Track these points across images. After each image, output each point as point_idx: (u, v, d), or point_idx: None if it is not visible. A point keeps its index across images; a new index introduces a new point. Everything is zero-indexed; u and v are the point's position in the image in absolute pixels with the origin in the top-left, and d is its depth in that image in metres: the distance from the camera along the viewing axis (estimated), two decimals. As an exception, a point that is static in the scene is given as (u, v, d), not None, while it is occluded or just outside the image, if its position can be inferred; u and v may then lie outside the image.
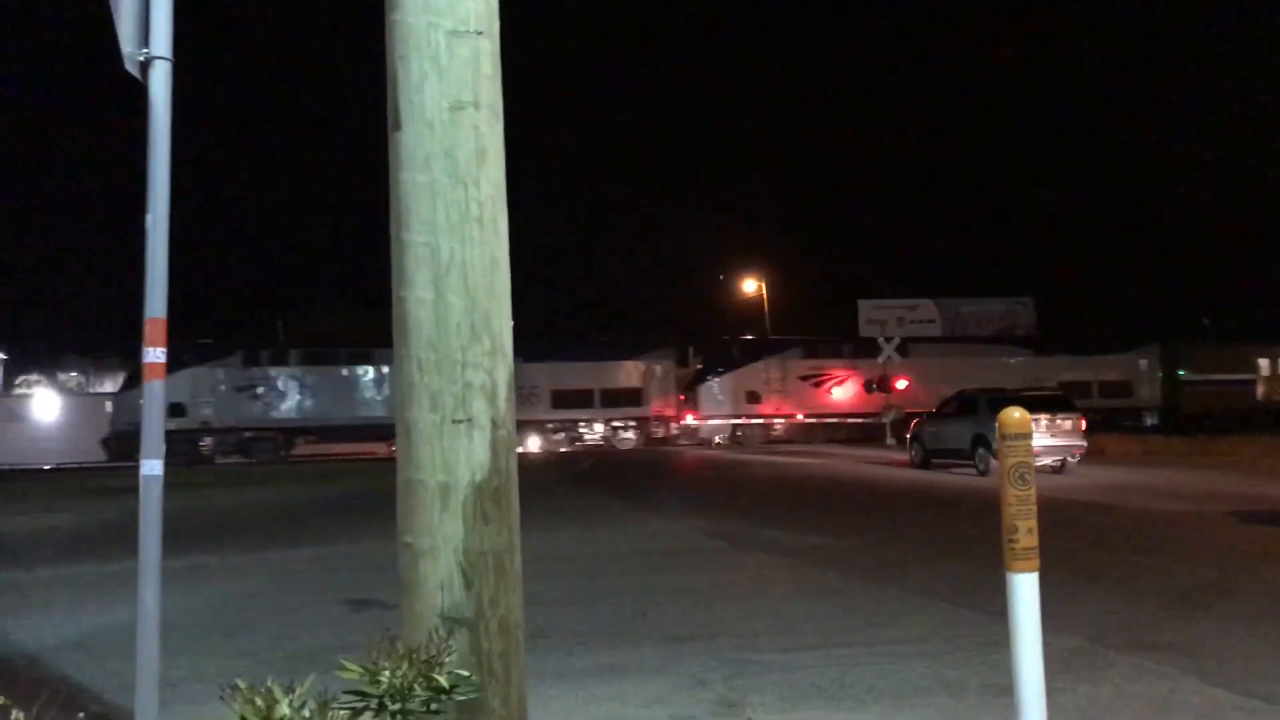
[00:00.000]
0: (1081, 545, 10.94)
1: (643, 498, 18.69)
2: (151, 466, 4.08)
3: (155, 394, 4.12)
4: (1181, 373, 44.54)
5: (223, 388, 35.70)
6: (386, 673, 2.75)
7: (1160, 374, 44.36)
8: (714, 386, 41.61)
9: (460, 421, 3.24)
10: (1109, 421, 36.68)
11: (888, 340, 41.27)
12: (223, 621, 8.08)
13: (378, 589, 8.80)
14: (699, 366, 42.83)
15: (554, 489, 20.80)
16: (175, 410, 33.43)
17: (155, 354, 4.09)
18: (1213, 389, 43.56)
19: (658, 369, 41.02)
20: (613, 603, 8.43)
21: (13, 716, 2.68)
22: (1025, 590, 3.57)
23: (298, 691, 2.66)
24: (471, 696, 2.91)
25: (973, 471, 22.52)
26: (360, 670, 2.76)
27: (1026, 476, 3.61)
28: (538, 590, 7.39)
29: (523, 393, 36.95)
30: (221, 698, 2.65)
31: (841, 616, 7.59)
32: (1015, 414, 3.69)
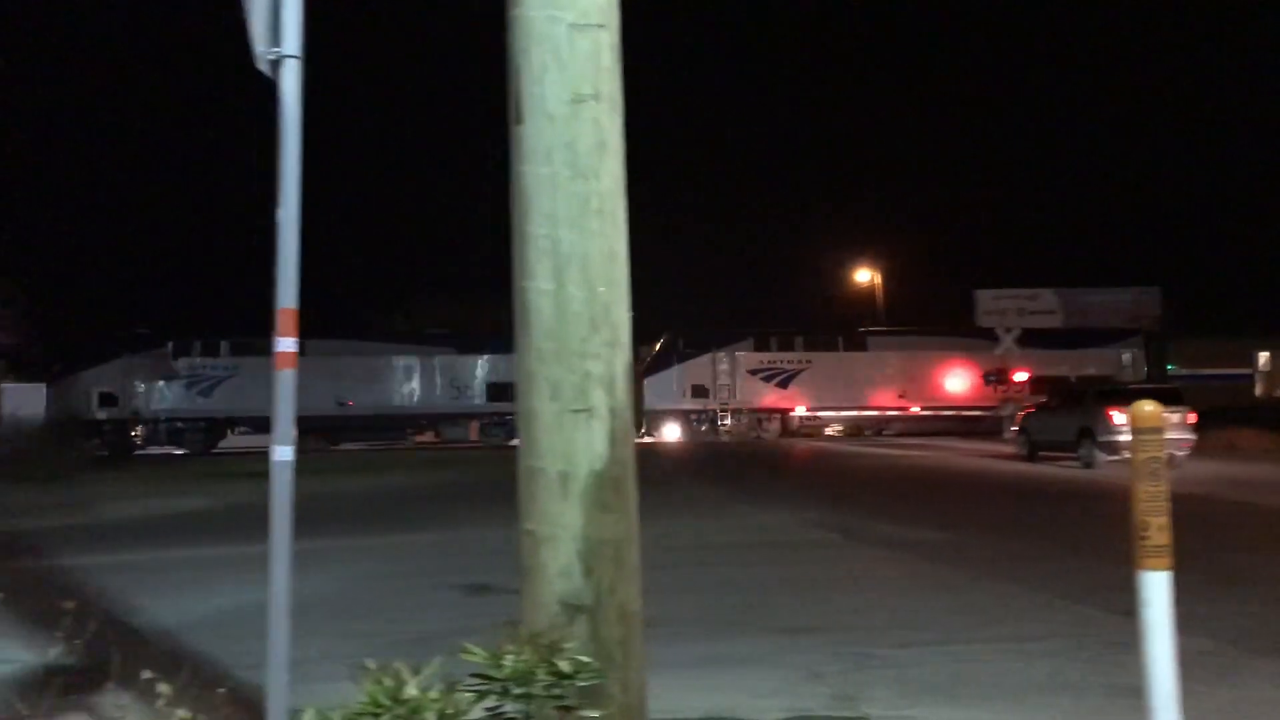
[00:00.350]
0: (1206, 542, 10.54)
1: (752, 488, 18.64)
2: (282, 452, 4.22)
3: (286, 382, 4.26)
4: (1171, 367, 42.43)
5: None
6: (510, 657, 2.81)
7: (1146, 369, 42.45)
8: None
9: (579, 411, 3.28)
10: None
11: (1006, 331, 40.24)
12: (344, 604, 8.32)
13: (492, 574, 8.95)
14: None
15: (665, 480, 20.89)
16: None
17: (286, 344, 4.23)
18: (1200, 384, 41.25)
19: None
20: (723, 593, 8.43)
21: (158, 690, 2.81)
22: (1158, 589, 3.46)
23: (424, 673, 2.74)
24: (593, 682, 2.95)
25: (1079, 464, 21.94)
26: (484, 654, 2.82)
27: (1158, 472, 3.50)
28: (649, 579, 7.40)
29: None
30: (351, 678, 2.74)
31: (958, 612, 7.46)
32: (1147, 408, 3.58)
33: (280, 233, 4.25)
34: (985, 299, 44.91)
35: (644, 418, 38.59)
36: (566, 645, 2.87)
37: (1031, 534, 11.98)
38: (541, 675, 2.79)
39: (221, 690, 4.12)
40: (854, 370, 40.66)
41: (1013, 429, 29.06)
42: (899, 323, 45.57)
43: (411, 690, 2.69)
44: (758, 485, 19.65)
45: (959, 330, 42.71)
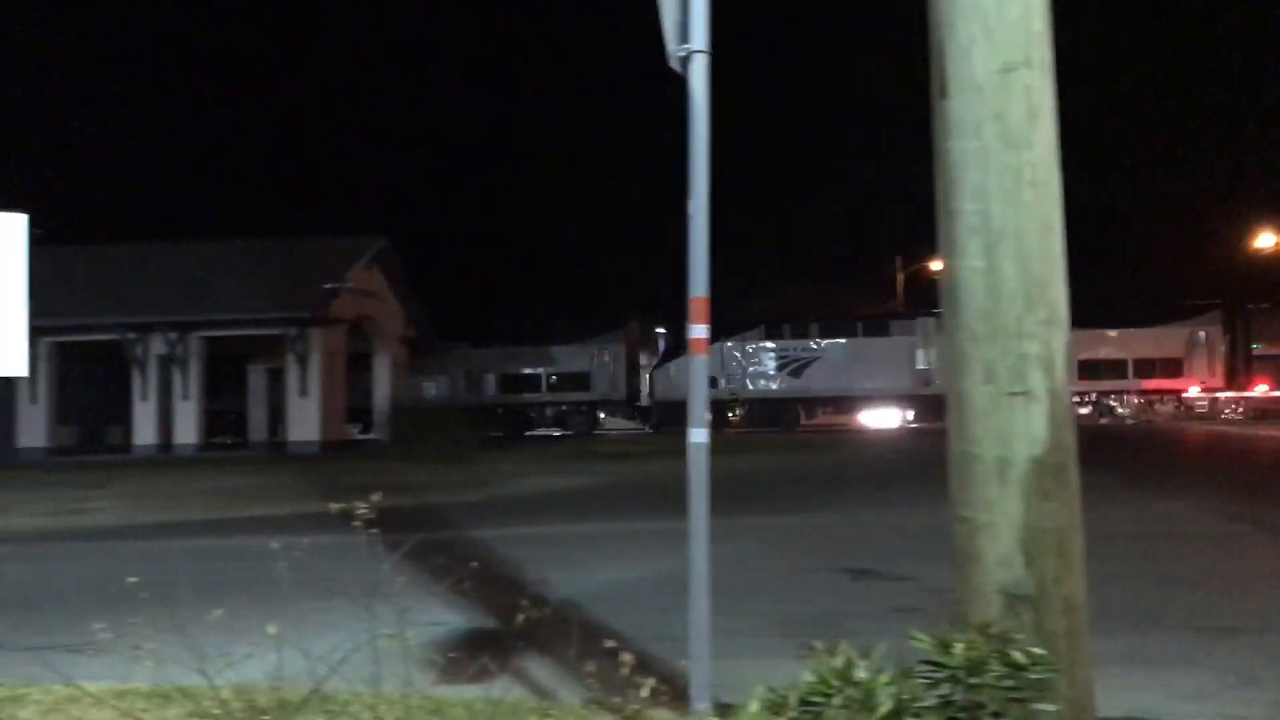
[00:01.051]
0: None
1: (1145, 474, 17.32)
2: (698, 434, 4.39)
3: (699, 368, 4.42)
4: (1256, 346, 35.81)
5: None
6: (959, 645, 2.74)
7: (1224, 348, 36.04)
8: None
9: (1016, 394, 3.15)
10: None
11: None
12: (728, 583, 8.52)
13: (875, 559, 8.89)
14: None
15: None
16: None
17: (699, 330, 4.39)
18: None
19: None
20: (1129, 587, 7.87)
21: (620, 658, 2.98)
22: None
23: (874, 656, 2.73)
24: (1045, 675, 2.83)
25: None
26: (932, 641, 2.77)
27: None
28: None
29: None
30: (737, 653, 2.79)
31: None
32: None
33: (691, 224, 4.40)
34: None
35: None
36: (1017, 636, 2.77)
37: None
38: (994, 665, 2.70)
39: (684, 663, 4.32)
40: None
41: None
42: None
43: (861, 673, 2.70)
44: (1151, 471, 18.23)
45: None
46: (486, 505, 15.26)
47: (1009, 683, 2.74)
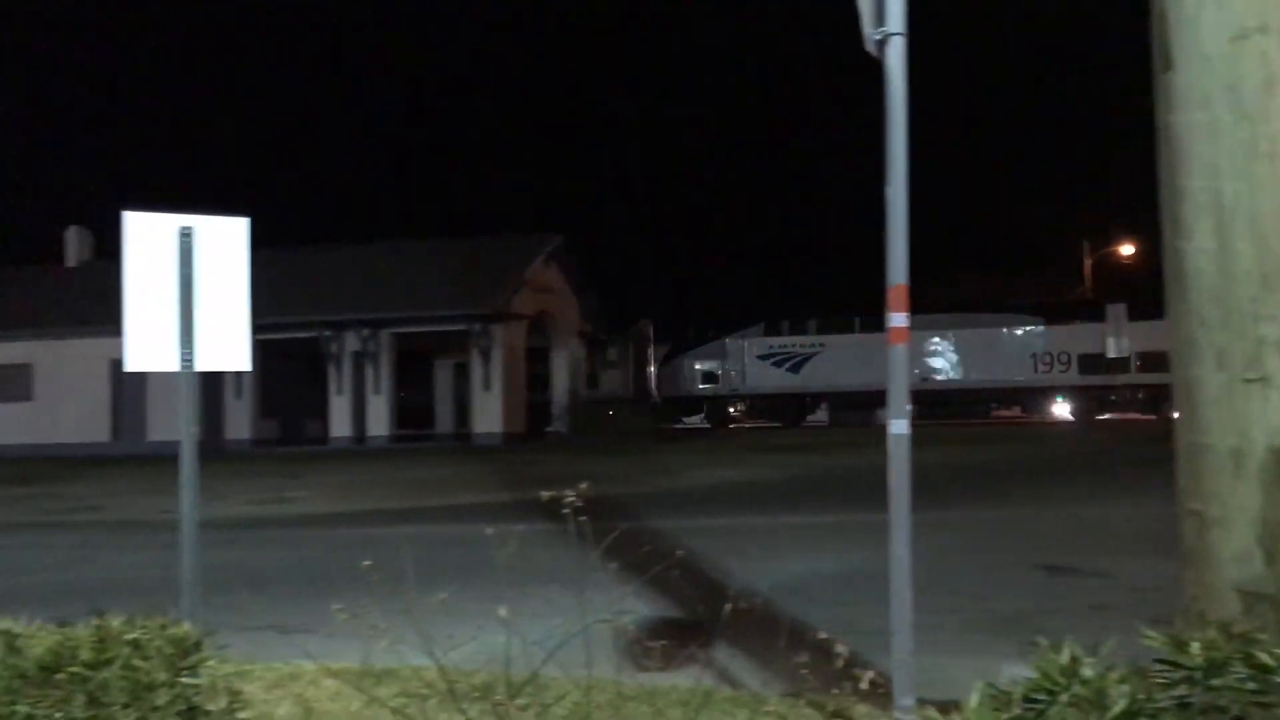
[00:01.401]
0: None
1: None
2: (898, 425, 4.30)
3: (899, 357, 4.33)
4: None
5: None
6: (1196, 644, 2.61)
7: None
8: None
9: (1252, 381, 2.97)
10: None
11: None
12: (922, 578, 8.35)
13: (1072, 554, 8.56)
14: None
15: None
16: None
17: (898, 319, 4.31)
18: None
19: None
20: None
21: (836, 650, 2.96)
22: None
23: (1102, 652, 2.63)
24: (1293, 680, 2.66)
25: None
26: (1165, 640, 2.65)
27: None
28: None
29: None
30: (999, 653, 2.71)
31: None
32: None
33: (890, 210, 4.32)
34: None
35: None
36: (1260, 636, 2.61)
37: None
38: (1237, 667, 2.56)
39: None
40: None
41: None
42: None
43: (1087, 670, 2.60)
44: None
45: None
46: (667, 496, 15.40)
47: (1253, 685, 2.59)
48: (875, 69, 4.34)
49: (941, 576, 8.35)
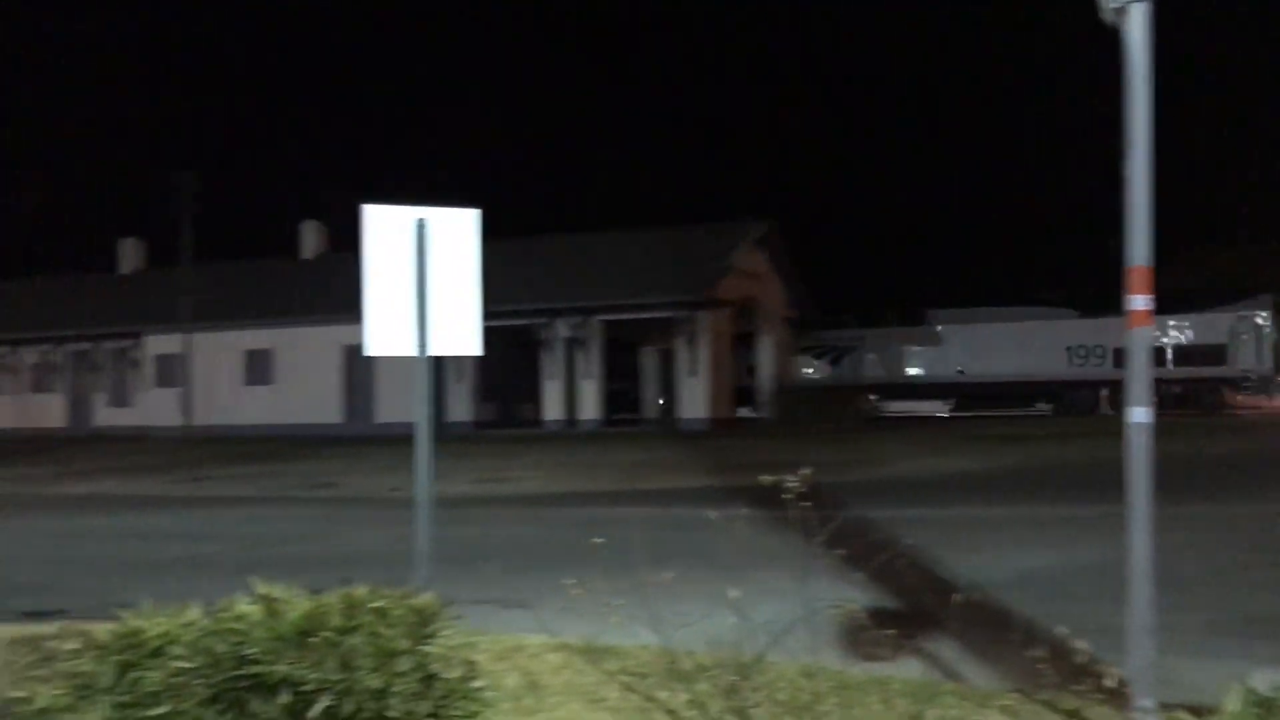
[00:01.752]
0: None
1: None
2: (1138, 414, 4.09)
3: (1142, 341, 4.12)
4: None
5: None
6: None
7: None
8: None
9: None
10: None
11: None
12: (1158, 576, 7.92)
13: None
14: None
15: None
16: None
17: (1139, 302, 4.09)
18: None
19: None
20: None
21: (1075, 645, 2.85)
22: None
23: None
24: None
25: None
26: None
27: None
28: None
29: None
30: (1243, 657, 2.53)
31: None
32: None
33: (1131, 186, 4.10)
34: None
35: None
36: None
37: None
38: None
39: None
40: None
41: None
42: None
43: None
44: None
45: None
46: (879, 485, 15.14)
47: None
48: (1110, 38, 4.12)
49: (1181, 575, 7.86)
